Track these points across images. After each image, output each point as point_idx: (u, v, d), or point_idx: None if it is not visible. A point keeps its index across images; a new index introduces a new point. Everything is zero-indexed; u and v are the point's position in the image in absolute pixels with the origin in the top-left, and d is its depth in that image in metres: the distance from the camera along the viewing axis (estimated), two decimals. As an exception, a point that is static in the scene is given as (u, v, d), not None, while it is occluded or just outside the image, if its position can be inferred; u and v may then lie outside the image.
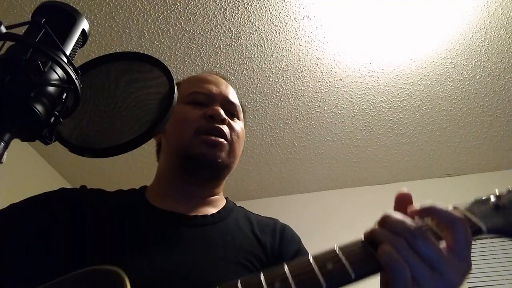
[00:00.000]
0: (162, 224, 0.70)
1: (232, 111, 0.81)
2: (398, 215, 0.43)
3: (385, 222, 0.44)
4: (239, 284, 0.42)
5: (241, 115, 0.85)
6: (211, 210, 0.76)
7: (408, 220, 0.42)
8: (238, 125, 0.81)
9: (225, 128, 0.75)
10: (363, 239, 0.44)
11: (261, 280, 0.41)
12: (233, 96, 0.83)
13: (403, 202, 0.48)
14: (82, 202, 0.71)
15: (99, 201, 0.73)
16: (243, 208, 0.83)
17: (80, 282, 0.50)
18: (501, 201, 0.46)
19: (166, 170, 0.80)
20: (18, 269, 0.60)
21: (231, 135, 0.77)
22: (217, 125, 0.75)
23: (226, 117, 0.77)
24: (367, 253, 0.42)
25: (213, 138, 0.73)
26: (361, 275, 0.40)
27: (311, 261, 0.41)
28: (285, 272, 0.41)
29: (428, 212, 0.44)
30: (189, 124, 0.75)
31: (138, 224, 0.70)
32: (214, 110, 0.76)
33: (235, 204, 0.83)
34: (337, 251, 0.42)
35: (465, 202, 0.48)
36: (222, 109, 0.78)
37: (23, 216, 0.66)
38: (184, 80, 0.89)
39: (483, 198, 0.47)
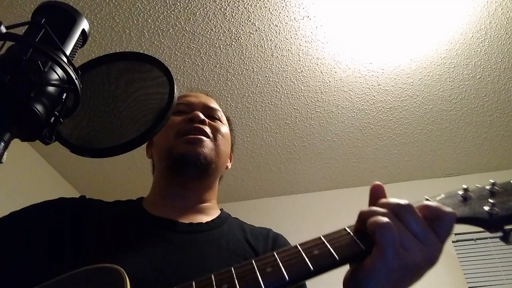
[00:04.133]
0: (158, 230, 0.71)
1: (213, 115, 0.84)
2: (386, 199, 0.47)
3: (373, 203, 0.48)
4: (232, 270, 0.44)
5: (225, 120, 0.88)
6: (205, 219, 0.78)
7: (396, 199, 0.46)
8: (221, 126, 0.83)
9: (206, 128, 0.78)
10: (345, 227, 0.48)
11: (254, 266, 0.44)
12: (213, 104, 0.87)
13: (376, 197, 0.50)
14: (81, 210, 0.72)
15: (97, 209, 0.75)
16: (238, 218, 0.85)
17: (81, 279, 0.50)
18: (468, 194, 0.52)
19: (158, 177, 0.83)
20: (16, 275, 0.61)
21: (213, 133, 0.79)
22: (196, 125, 0.77)
23: (206, 119, 0.80)
24: (350, 238, 0.45)
25: (192, 136, 0.76)
26: (345, 258, 0.43)
27: (299, 248, 0.45)
28: (276, 258, 0.44)
29: (423, 209, 0.47)
30: (170, 129, 0.78)
31: (134, 230, 0.71)
32: (193, 113, 0.79)
33: (229, 215, 0.85)
34: (323, 239, 0.46)
35: (436, 196, 0.54)
36: (204, 115, 0.81)
37: (23, 223, 0.67)
38: None
39: (453, 192, 0.54)
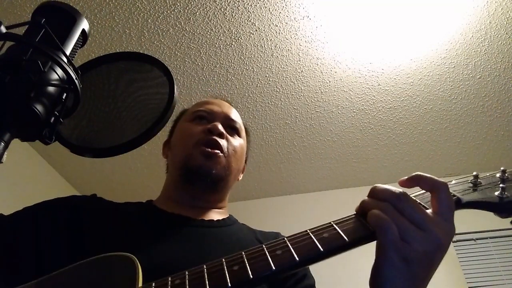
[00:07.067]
0: (170, 224, 0.73)
1: (232, 127, 0.86)
2: (384, 185, 0.48)
3: (372, 192, 0.48)
4: (243, 253, 0.45)
5: (243, 134, 0.90)
6: (216, 217, 0.80)
7: (392, 188, 0.47)
8: (237, 141, 0.85)
9: (222, 142, 0.80)
10: (355, 213, 0.49)
11: (263, 248, 0.45)
12: (234, 115, 0.89)
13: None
14: (92, 207, 0.74)
15: (110, 206, 0.77)
16: (245, 224, 0.87)
17: (94, 267, 0.51)
18: (478, 181, 0.53)
19: (170, 180, 0.85)
20: (29, 267, 0.62)
21: (228, 149, 0.81)
22: (214, 137, 0.79)
23: (225, 132, 0.82)
24: (359, 222, 0.46)
25: (209, 149, 0.78)
26: (354, 240, 0.44)
27: (308, 232, 0.47)
28: (285, 241, 0.45)
29: (415, 179, 0.49)
30: (191, 137, 0.81)
31: (147, 224, 0.73)
32: (213, 125, 0.81)
33: (237, 220, 0.87)
34: (332, 223, 0.47)
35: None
36: (223, 126, 0.83)
37: (35, 218, 0.69)
38: (191, 106, 0.95)
39: (463, 179, 0.55)
